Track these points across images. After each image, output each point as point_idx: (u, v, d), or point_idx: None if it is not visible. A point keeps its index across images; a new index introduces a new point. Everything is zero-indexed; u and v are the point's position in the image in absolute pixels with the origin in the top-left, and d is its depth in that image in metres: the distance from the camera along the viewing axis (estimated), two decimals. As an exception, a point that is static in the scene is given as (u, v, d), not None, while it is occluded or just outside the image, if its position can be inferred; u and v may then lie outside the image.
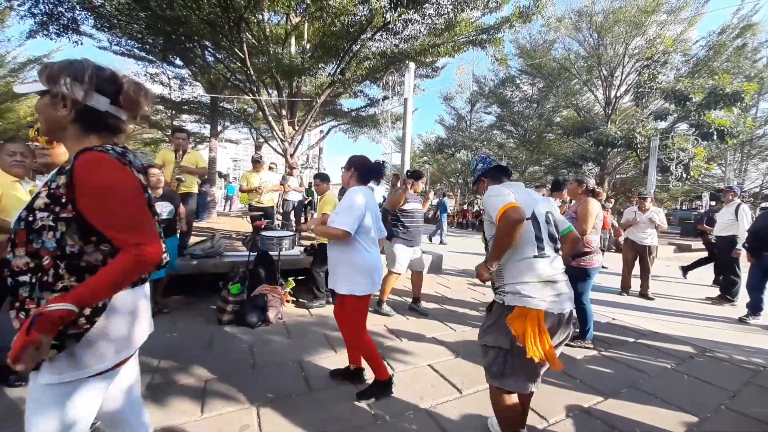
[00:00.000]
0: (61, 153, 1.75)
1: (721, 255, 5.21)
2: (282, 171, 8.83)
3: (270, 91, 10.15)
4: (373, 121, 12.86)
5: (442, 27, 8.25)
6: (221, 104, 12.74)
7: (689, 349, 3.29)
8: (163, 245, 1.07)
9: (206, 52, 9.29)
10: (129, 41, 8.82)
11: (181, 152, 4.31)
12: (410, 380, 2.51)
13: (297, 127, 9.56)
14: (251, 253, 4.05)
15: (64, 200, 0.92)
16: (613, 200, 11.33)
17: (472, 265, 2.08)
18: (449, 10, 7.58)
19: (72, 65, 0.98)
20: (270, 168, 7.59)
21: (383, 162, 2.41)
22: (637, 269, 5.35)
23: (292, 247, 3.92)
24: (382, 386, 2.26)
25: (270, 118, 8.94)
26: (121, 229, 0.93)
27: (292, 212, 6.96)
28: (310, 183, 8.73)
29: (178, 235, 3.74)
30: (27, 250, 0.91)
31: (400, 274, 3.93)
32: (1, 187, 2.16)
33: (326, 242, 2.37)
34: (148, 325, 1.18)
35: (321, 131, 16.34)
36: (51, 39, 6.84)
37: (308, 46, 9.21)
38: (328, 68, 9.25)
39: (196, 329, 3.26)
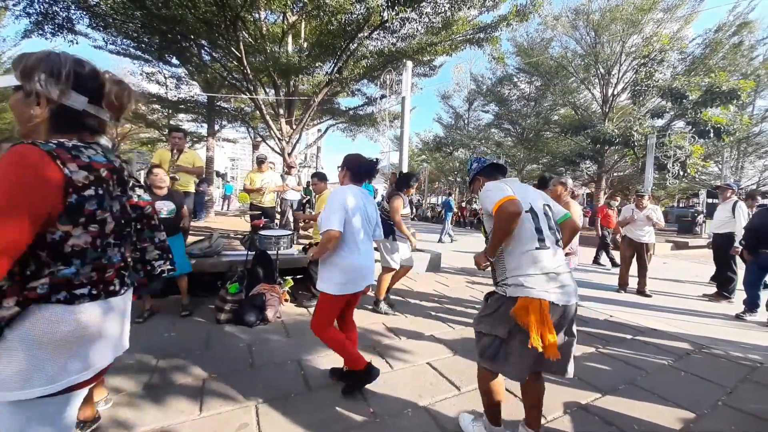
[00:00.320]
0: None
1: (718, 252, 5.24)
2: (280, 170, 8.82)
3: (267, 90, 10.13)
4: (371, 120, 12.88)
5: (440, 25, 8.26)
6: (218, 103, 12.73)
7: (686, 346, 3.31)
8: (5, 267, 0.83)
9: (203, 51, 9.27)
10: (125, 40, 8.79)
11: (177, 151, 4.32)
12: (409, 378, 2.52)
13: (294, 126, 9.56)
14: (249, 253, 4.04)
15: None
16: (619, 199, 11.15)
17: (471, 263, 2.09)
18: (446, 8, 7.59)
19: (48, 59, 0.92)
20: (269, 168, 7.58)
21: (377, 159, 2.39)
22: (634, 267, 5.38)
23: (290, 246, 3.91)
24: (362, 376, 2.22)
25: (267, 117, 8.93)
26: None
27: (289, 211, 6.95)
28: (308, 182, 8.73)
29: (181, 233, 3.68)
30: None
31: (394, 270, 3.95)
32: None
33: None
34: (112, 346, 1.04)
35: (319, 130, 16.36)
36: (46, 39, 6.81)
37: (305, 45, 9.21)
38: (326, 67, 9.25)
39: (194, 328, 3.25)
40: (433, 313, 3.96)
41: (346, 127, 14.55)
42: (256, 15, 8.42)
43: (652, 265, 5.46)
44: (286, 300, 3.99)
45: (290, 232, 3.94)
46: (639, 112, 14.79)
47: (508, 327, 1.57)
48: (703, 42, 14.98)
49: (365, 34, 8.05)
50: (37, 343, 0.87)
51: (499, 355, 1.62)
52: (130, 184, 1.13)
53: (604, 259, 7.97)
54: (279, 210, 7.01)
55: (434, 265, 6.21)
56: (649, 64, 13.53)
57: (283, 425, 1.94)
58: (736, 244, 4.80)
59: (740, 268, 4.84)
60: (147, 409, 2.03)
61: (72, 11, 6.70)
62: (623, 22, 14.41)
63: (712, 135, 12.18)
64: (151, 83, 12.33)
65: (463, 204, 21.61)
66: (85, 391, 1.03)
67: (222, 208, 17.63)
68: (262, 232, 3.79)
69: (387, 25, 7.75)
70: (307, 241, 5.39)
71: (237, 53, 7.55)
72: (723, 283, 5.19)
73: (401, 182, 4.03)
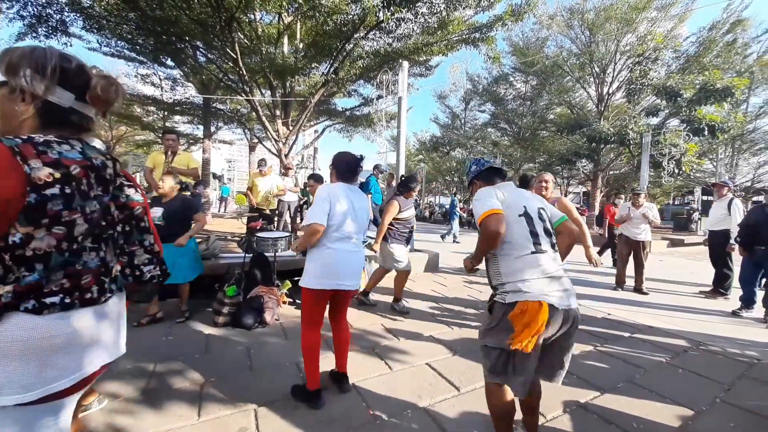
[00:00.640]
0: None
1: (714, 249, 5.27)
2: (276, 172, 8.79)
3: (263, 91, 10.12)
4: (368, 120, 12.88)
5: (435, 26, 8.28)
6: (214, 105, 12.68)
7: (684, 343, 3.32)
8: None
9: (198, 53, 9.24)
10: (119, 42, 8.76)
11: (171, 153, 4.29)
12: (408, 379, 2.51)
13: (291, 127, 9.54)
14: (247, 255, 4.03)
15: None
16: (622, 197, 10.82)
17: (470, 263, 2.07)
18: (442, 8, 7.61)
19: (34, 54, 0.88)
20: (271, 171, 7.57)
21: (361, 156, 2.37)
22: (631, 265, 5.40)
23: (288, 248, 3.90)
24: (308, 396, 2.14)
25: (263, 119, 8.90)
26: None
27: (287, 213, 6.93)
28: (305, 183, 8.71)
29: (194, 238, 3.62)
30: None
31: (400, 270, 3.96)
32: None
33: None
34: (98, 353, 1.00)
35: (315, 131, 16.31)
36: (40, 41, 6.76)
37: (301, 46, 9.20)
38: (322, 68, 9.26)
39: (192, 332, 3.23)
40: (431, 314, 3.96)
41: (343, 128, 14.55)
42: (252, 16, 8.40)
43: (648, 262, 5.49)
44: (284, 302, 3.98)
45: (288, 234, 3.92)
46: (634, 111, 14.90)
47: (512, 336, 1.53)
48: (697, 40, 15.12)
49: (361, 35, 8.07)
50: (4, 352, 0.84)
51: (508, 369, 1.56)
52: (117, 183, 1.07)
53: (606, 258, 7.88)
54: (277, 212, 6.99)
55: (432, 266, 6.21)
56: (643, 62, 13.65)
57: (282, 428, 1.93)
58: (732, 241, 4.83)
59: (736, 265, 4.87)
60: (145, 414, 2.01)
61: (65, 14, 6.67)
62: (618, 21, 14.51)
63: (706, 133, 12.30)
64: (147, 85, 12.29)
65: (462, 204, 21.65)
66: (75, 398, 1.00)
67: (219, 210, 17.56)
68: (260, 234, 3.77)
69: (383, 25, 7.77)
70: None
71: (232, 54, 7.52)
72: (719, 280, 5.22)
73: (402, 186, 4.06)
